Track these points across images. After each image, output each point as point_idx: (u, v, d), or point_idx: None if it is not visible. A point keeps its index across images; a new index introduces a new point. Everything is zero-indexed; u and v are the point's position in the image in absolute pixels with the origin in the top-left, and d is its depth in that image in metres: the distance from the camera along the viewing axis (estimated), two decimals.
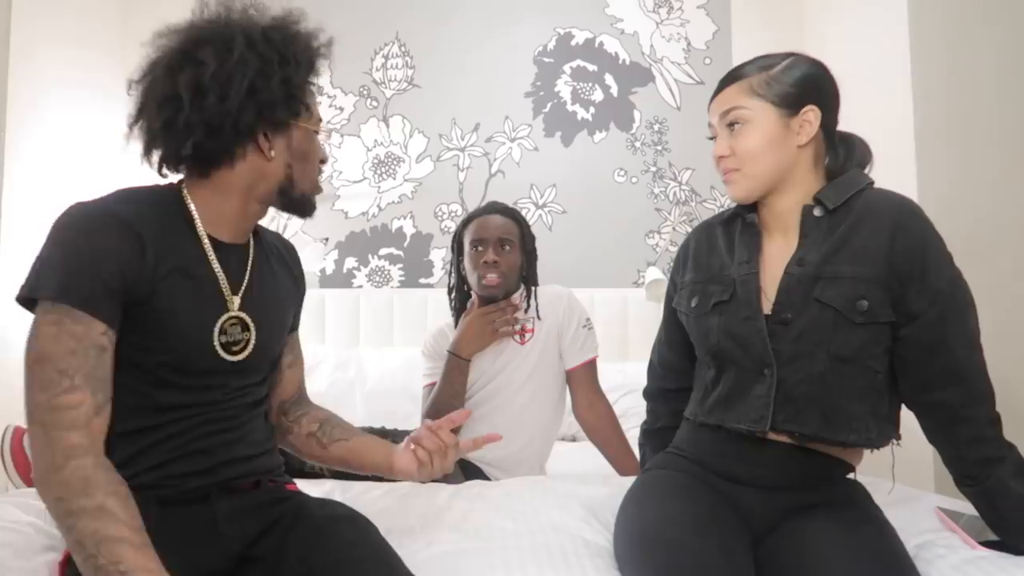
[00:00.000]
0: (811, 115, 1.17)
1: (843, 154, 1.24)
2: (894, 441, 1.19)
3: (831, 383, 1.13)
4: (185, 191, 1.09)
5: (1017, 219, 1.87)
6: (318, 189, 1.17)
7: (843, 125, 1.28)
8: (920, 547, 1.14)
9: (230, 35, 1.05)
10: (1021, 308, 1.81)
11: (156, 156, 1.09)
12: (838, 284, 1.12)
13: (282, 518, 1.08)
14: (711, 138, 1.26)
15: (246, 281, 1.12)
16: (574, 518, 1.27)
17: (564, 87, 3.21)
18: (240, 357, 1.09)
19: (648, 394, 1.50)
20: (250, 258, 1.14)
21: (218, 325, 1.06)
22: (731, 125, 1.20)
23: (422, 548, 1.16)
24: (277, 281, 1.20)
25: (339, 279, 3.16)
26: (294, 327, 1.29)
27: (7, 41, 2.40)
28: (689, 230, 3.09)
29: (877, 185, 1.21)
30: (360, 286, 3.15)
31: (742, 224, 1.26)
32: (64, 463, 0.89)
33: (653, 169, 3.18)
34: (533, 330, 1.95)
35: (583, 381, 1.97)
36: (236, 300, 1.09)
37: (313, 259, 3.14)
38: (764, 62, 1.21)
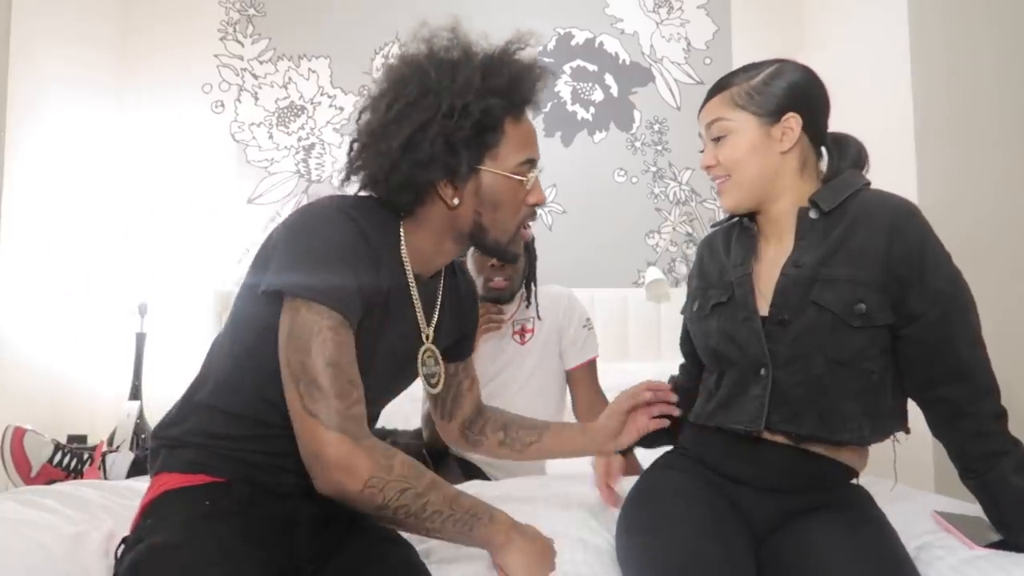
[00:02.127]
0: (792, 122, 1.18)
1: (836, 156, 1.24)
2: (895, 437, 1.19)
3: (828, 385, 1.13)
4: (401, 224, 1.09)
5: (1017, 219, 1.87)
6: (517, 241, 1.15)
7: (843, 125, 1.28)
8: (919, 548, 1.14)
9: (406, 80, 1.04)
10: (1021, 308, 1.81)
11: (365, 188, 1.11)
12: (835, 287, 1.12)
13: (353, 537, 1.09)
14: (701, 151, 1.27)
15: (436, 315, 1.14)
16: (574, 519, 1.27)
17: (564, 87, 3.21)
18: (437, 389, 1.14)
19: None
20: (440, 292, 1.16)
21: (419, 357, 1.10)
22: (716, 137, 1.22)
23: (422, 552, 1.15)
24: (458, 318, 1.22)
25: None
26: (465, 356, 1.30)
27: (7, 40, 2.40)
28: (689, 230, 3.13)
29: (877, 185, 1.21)
30: None
31: (739, 228, 1.28)
32: (390, 461, 0.95)
33: (653, 169, 3.18)
34: (533, 330, 1.95)
35: (583, 381, 1.97)
36: (430, 332, 1.12)
37: None
38: (747, 73, 1.22)
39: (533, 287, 1.97)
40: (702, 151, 1.27)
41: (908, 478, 1.41)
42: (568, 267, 2.95)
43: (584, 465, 2.12)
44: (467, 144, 1.02)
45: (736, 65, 3.16)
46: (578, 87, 3.21)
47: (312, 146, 3.12)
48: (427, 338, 1.10)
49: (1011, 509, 1.08)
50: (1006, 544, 1.09)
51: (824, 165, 1.26)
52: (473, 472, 1.89)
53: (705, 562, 1.01)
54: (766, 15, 3.20)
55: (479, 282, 1.90)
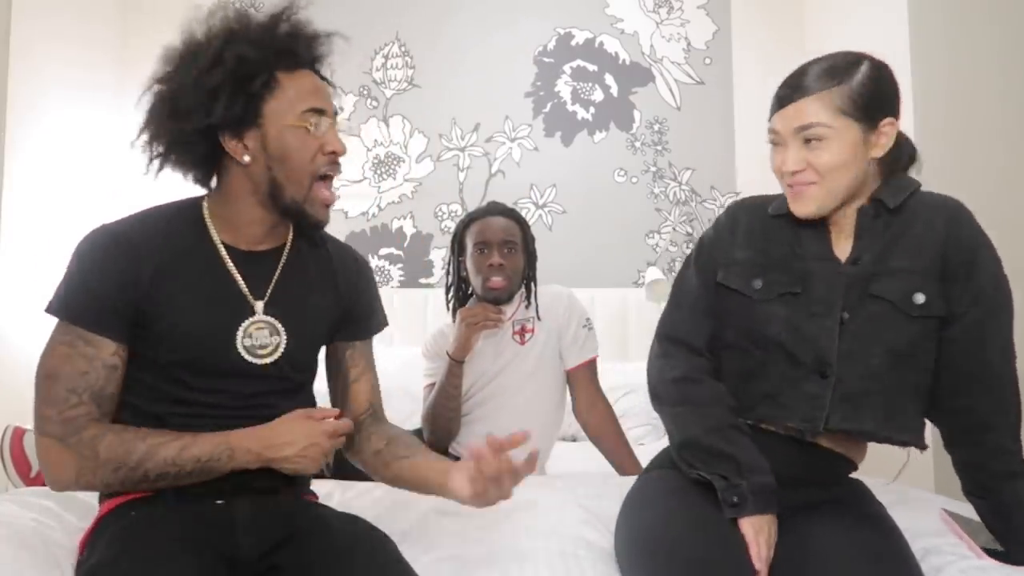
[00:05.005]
0: (889, 128, 1.14)
1: (897, 154, 1.20)
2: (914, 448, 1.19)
3: (887, 379, 1.12)
4: (204, 202, 1.13)
5: (1017, 219, 1.86)
6: (313, 201, 1.11)
7: None
8: (928, 551, 1.13)
9: (167, 56, 1.09)
10: (1021, 308, 1.80)
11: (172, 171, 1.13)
12: (893, 279, 1.12)
13: (303, 530, 1.07)
14: (772, 143, 1.19)
15: (272, 287, 1.13)
16: (574, 519, 1.27)
17: (564, 87, 3.21)
18: (268, 360, 1.11)
19: (704, 371, 1.24)
20: (280, 266, 1.15)
21: (241, 330, 1.09)
22: (809, 140, 1.13)
23: (420, 554, 1.15)
24: (311, 289, 1.18)
25: None
26: (352, 339, 1.25)
27: (7, 41, 2.40)
28: (689, 230, 3.12)
29: None
30: None
31: (811, 219, 1.19)
32: (96, 448, 1.00)
33: (653, 169, 3.18)
34: (533, 330, 1.95)
35: (583, 381, 1.96)
36: (260, 304, 1.11)
37: None
38: (840, 73, 1.13)
39: (533, 287, 1.97)
40: (772, 144, 1.18)
41: (908, 479, 1.41)
42: (568, 267, 2.95)
43: (584, 465, 2.12)
44: (231, 91, 1.04)
45: (736, 65, 3.20)
46: (578, 87, 3.21)
47: None
48: (256, 309, 1.10)
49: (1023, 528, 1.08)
50: (1007, 556, 1.08)
51: None
52: None
53: (706, 562, 1.00)
54: (766, 15, 3.20)
55: (477, 282, 1.90)
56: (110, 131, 2.96)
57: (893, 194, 1.16)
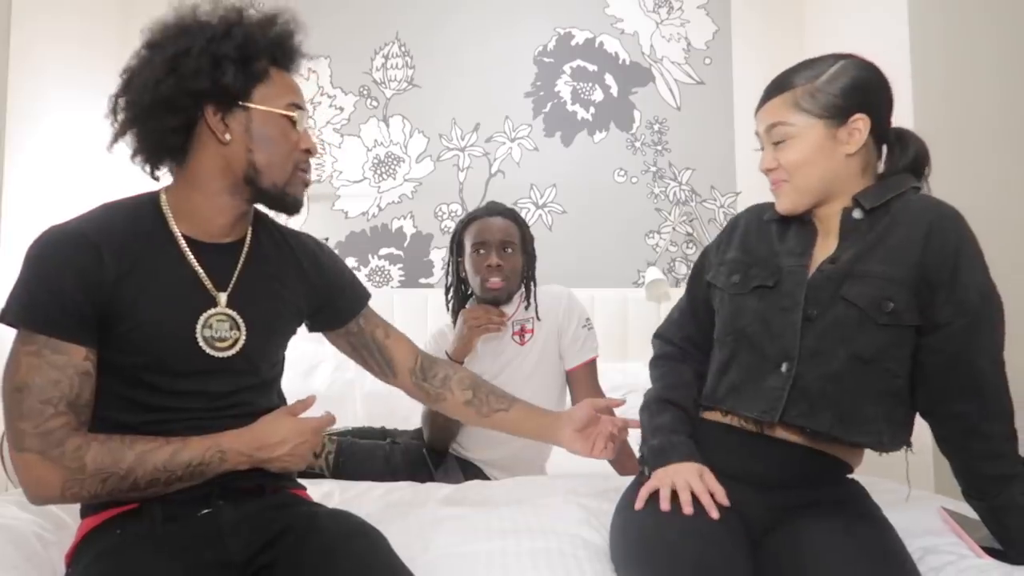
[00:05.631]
0: (860, 123, 1.14)
1: (898, 153, 1.21)
2: (907, 448, 1.18)
3: (848, 383, 1.12)
4: (162, 195, 1.12)
5: (1017, 219, 1.87)
6: (296, 183, 1.13)
7: None
8: (927, 550, 1.13)
9: (168, 25, 1.09)
10: (1021, 308, 1.80)
11: (136, 157, 1.12)
12: (865, 283, 1.11)
13: (292, 528, 1.06)
14: (758, 149, 1.24)
15: (234, 279, 1.11)
16: (574, 519, 1.27)
17: (564, 87, 3.21)
18: (227, 353, 1.08)
19: (665, 356, 1.35)
20: (242, 258, 1.14)
21: (201, 320, 1.07)
22: (777, 140, 1.18)
23: (420, 553, 1.15)
24: (276, 281, 1.18)
25: None
26: (355, 311, 1.29)
27: (7, 41, 2.40)
28: (689, 230, 3.12)
29: None
30: None
31: (799, 220, 1.22)
32: (82, 459, 0.97)
33: (653, 169, 3.18)
34: (533, 330, 1.95)
35: (583, 381, 1.96)
36: (223, 296, 1.09)
37: None
38: (810, 71, 1.17)
39: (532, 287, 1.97)
40: (759, 149, 1.23)
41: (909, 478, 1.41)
42: (568, 267, 2.95)
43: (584, 465, 2.12)
44: (234, 64, 1.06)
45: (736, 65, 3.20)
46: (578, 87, 3.21)
47: None
48: (219, 301, 1.09)
49: (1020, 533, 1.08)
50: (1007, 556, 1.08)
51: (883, 162, 1.22)
52: (473, 472, 1.89)
53: (702, 563, 1.00)
54: (766, 15, 3.20)
55: (476, 283, 1.90)
56: (110, 132, 2.96)
57: (876, 195, 1.16)
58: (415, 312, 3.02)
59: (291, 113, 1.11)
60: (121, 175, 2.95)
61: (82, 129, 2.81)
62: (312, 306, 1.25)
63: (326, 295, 1.25)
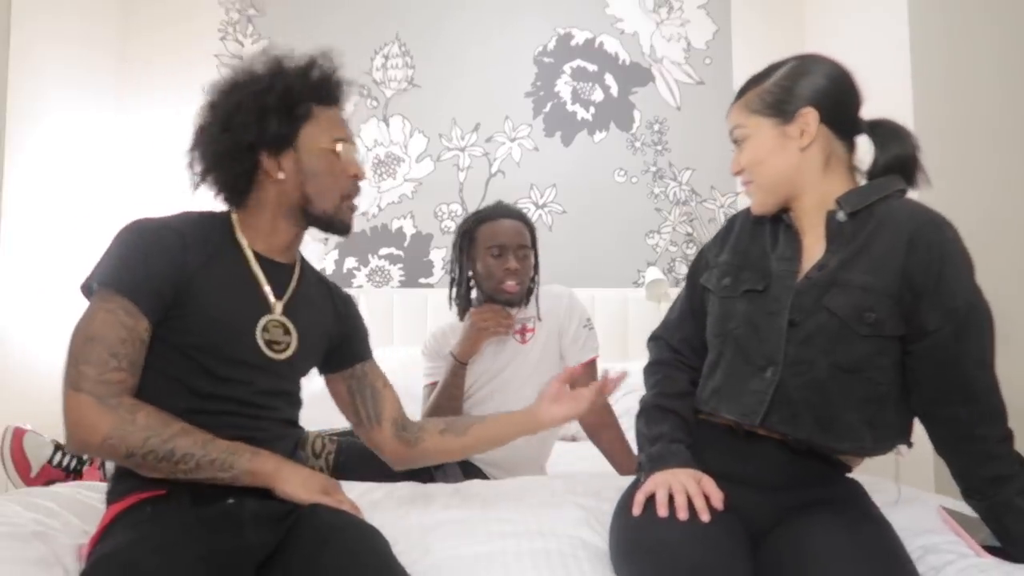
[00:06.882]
0: (809, 117, 1.16)
1: (878, 145, 1.20)
2: (899, 450, 1.18)
3: (830, 391, 1.12)
4: (233, 215, 1.25)
5: (1017, 219, 1.87)
6: (343, 209, 1.25)
7: None
8: (927, 550, 1.13)
9: (221, 82, 1.23)
10: (1021, 308, 1.81)
11: (217, 198, 1.25)
12: (848, 293, 1.11)
13: (295, 526, 1.10)
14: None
15: (289, 293, 1.24)
16: (573, 519, 1.27)
17: (564, 87, 3.21)
18: (282, 356, 1.20)
19: (661, 362, 1.35)
20: (295, 278, 1.27)
21: (261, 322, 1.19)
22: (737, 142, 1.23)
23: (420, 557, 1.15)
24: (318, 307, 1.30)
25: (339, 279, 3.15)
26: (364, 357, 1.39)
27: (7, 41, 2.40)
28: (689, 230, 3.12)
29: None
30: (360, 286, 3.14)
31: (785, 225, 1.23)
32: (135, 414, 1.05)
33: (653, 169, 3.18)
34: (534, 330, 1.95)
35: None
36: (279, 305, 1.22)
37: (313, 259, 3.13)
38: (764, 75, 1.22)
39: (533, 287, 1.97)
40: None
41: (908, 479, 1.41)
42: (568, 267, 2.95)
43: (584, 465, 2.12)
44: (278, 114, 1.18)
45: (736, 65, 3.21)
46: (578, 87, 3.21)
47: None
48: (275, 309, 1.21)
49: (1017, 531, 1.08)
50: (1007, 553, 1.08)
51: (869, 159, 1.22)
52: (473, 472, 1.89)
53: (702, 564, 1.00)
54: (766, 15, 3.20)
55: (490, 284, 1.89)
56: (110, 132, 2.96)
57: (859, 198, 1.16)
58: (415, 312, 3.02)
59: (335, 148, 1.23)
60: (121, 175, 2.95)
61: (82, 128, 2.81)
62: (334, 340, 1.34)
63: (346, 335, 1.36)
